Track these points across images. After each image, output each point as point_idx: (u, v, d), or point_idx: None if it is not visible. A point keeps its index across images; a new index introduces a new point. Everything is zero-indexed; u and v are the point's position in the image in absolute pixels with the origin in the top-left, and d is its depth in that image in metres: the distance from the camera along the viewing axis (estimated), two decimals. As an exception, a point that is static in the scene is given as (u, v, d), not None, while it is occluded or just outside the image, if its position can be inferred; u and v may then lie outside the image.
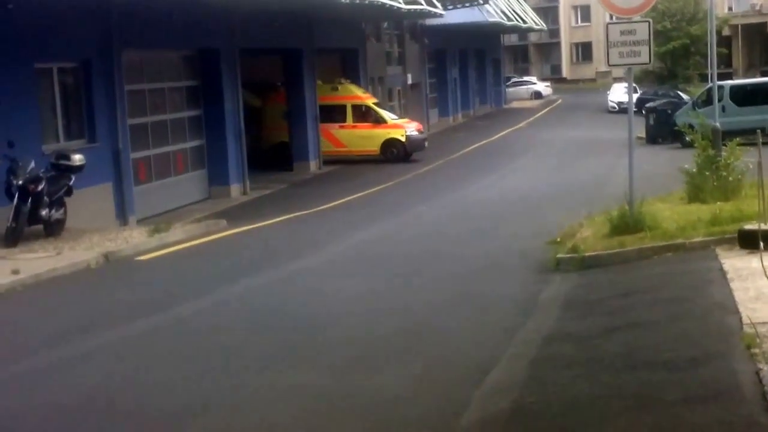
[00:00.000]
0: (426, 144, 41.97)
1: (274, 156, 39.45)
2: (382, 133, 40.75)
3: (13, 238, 20.37)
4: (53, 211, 21.54)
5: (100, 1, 24.06)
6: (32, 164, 21.03)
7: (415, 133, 41.35)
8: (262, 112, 40.65)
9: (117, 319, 14.35)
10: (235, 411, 9.69)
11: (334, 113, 40.45)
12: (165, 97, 29.59)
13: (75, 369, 11.74)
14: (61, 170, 21.90)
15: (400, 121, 42.18)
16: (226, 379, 10.87)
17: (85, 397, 10.49)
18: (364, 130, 40.71)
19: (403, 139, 40.66)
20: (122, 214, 25.33)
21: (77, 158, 22.33)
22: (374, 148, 40.62)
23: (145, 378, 11.15)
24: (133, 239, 21.69)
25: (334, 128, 40.60)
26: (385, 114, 42.11)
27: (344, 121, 40.85)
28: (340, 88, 41.33)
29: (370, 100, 41.99)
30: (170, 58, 30.14)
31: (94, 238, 21.51)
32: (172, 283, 17.45)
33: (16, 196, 20.42)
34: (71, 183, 22.06)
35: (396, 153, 40.62)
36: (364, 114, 41.08)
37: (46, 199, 21.12)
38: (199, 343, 12.64)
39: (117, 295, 16.73)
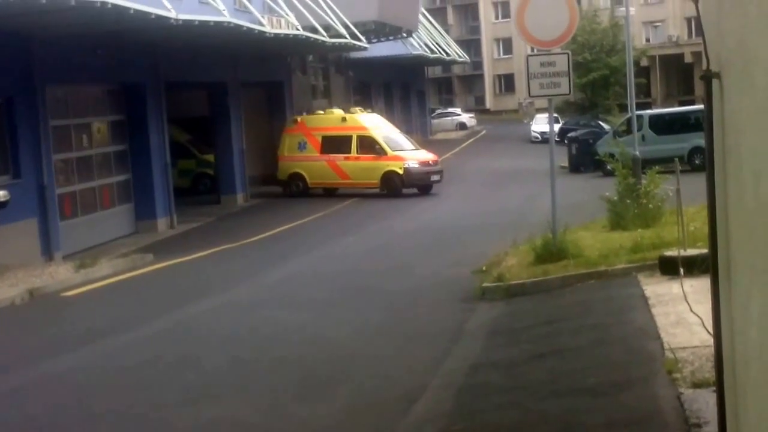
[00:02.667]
0: (433, 177, 38.26)
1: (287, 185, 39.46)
2: (382, 165, 37.68)
3: (-64, 275, 20.02)
4: (-23, 248, 21.22)
5: (21, 38, 23.82)
6: (-45, 200, 20.71)
7: (415, 165, 37.83)
8: (279, 142, 40.20)
9: (41, 355, 14.14)
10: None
11: (341, 144, 38.46)
12: (90, 132, 29.29)
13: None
14: (-16, 206, 21.59)
15: (406, 153, 38.49)
16: (150, 414, 10.75)
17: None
18: (366, 161, 37.98)
19: (400, 171, 37.44)
20: (47, 249, 24.97)
21: (1, 194, 22.00)
22: (375, 180, 37.82)
23: (69, 413, 10.99)
24: (59, 275, 21.42)
25: (339, 159, 38.36)
26: (388, 144, 38.27)
27: (349, 152, 38.36)
28: (347, 118, 39.38)
29: (374, 131, 38.96)
30: (95, 93, 29.85)
31: (18, 274, 21.20)
32: (97, 319, 17.22)
33: (-61, 233, 20.08)
34: (-5, 219, 21.74)
35: (394, 186, 37.54)
36: (368, 145, 38.24)
37: (-31, 235, 20.81)
38: (123, 378, 12.50)
39: (42, 332, 16.49)
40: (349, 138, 38.39)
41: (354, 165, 38.03)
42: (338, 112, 40.59)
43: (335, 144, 38.37)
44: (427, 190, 38.11)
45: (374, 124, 39.77)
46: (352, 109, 41.33)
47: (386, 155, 37.71)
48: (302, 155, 39.01)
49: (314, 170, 38.57)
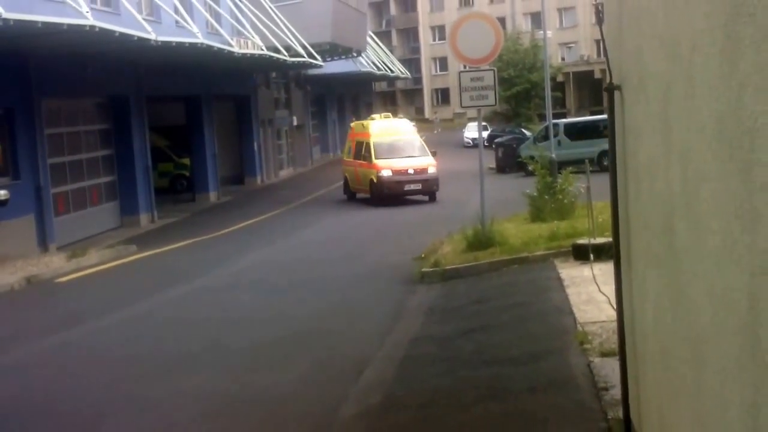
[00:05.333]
0: (408, 187, 32.62)
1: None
2: (369, 173, 33.30)
3: (-55, 264, 19.78)
4: (-20, 241, 21.00)
5: (20, 57, 23.60)
6: (-39, 199, 20.50)
7: (388, 174, 32.51)
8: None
9: (37, 333, 14.00)
10: (141, 412, 9.49)
11: (360, 151, 34.66)
12: (81, 139, 29.06)
13: None
14: (-13, 204, 21.40)
15: (392, 161, 33.00)
16: (135, 383, 10.66)
17: (6, 403, 10.18)
18: (363, 168, 33.99)
19: (375, 179, 32.77)
20: (43, 241, 24.77)
21: (2, 193, 21.84)
22: (366, 187, 33.68)
23: (61, 385, 10.86)
24: (53, 264, 21.23)
25: (357, 166, 34.66)
26: (378, 152, 33.40)
27: (361, 158, 34.35)
28: (365, 125, 35.93)
29: (374, 137, 34.18)
30: (85, 105, 29.63)
31: (17, 263, 20.98)
32: (87, 302, 17.07)
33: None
34: (-3, 215, 21.53)
35: (374, 194, 32.96)
36: (366, 152, 34.05)
37: (-26, 229, 20.59)
38: (111, 353, 12.38)
39: (38, 313, 16.33)
40: (361, 144, 34.75)
41: (360, 171, 34.34)
42: (374, 118, 36.98)
43: (359, 150, 34.87)
44: (431, 195, 32.82)
45: (381, 130, 34.85)
46: (379, 115, 37.72)
47: (372, 162, 33.19)
48: (347, 160, 36.37)
49: (350, 175, 35.65)
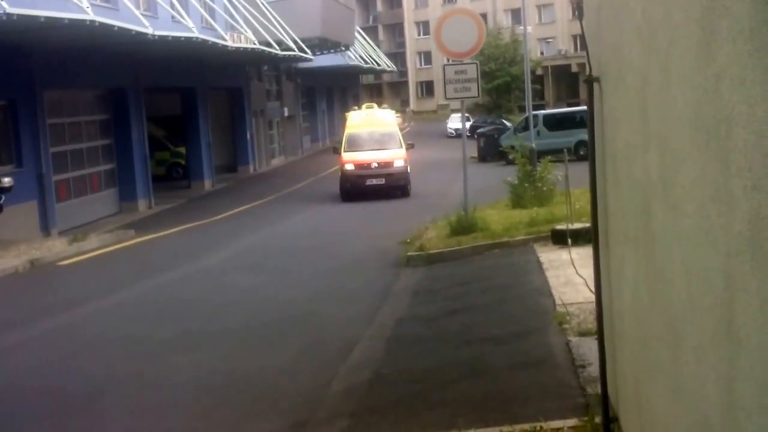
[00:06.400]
0: (371, 182, 29.26)
1: None
2: (339, 166, 30.69)
3: (-49, 248, 19.71)
4: (-14, 226, 20.94)
5: (23, 50, 23.48)
6: (-33, 186, 20.42)
7: (351, 168, 29.44)
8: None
9: (41, 314, 13.95)
10: (140, 389, 9.48)
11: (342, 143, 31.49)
12: (81, 129, 28.98)
13: (4, 358, 11.37)
14: (-8, 191, 21.29)
15: (359, 154, 29.71)
16: (134, 362, 10.65)
17: (12, 381, 10.15)
18: (337, 161, 31.33)
19: (341, 173, 30.13)
20: (46, 226, 24.72)
21: (6, 180, 21.68)
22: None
23: (65, 363, 10.83)
24: (55, 248, 21.14)
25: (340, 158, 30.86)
26: (348, 144, 30.39)
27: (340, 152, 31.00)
28: (347, 116, 33.49)
29: (349, 129, 31.49)
30: (85, 96, 29.52)
31: (21, 247, 20.89)
32: (88, 284, 17.03)
33: (-47, 213, 19.78)
34: (2, 201, 21.39)
35: (340, 188, 30.09)
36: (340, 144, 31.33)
37: (-21, 215, 20.53)
38: (112, 333, 12.36)
39: (41, 295, 16.27)
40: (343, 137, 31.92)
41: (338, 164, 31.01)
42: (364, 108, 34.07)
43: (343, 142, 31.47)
44: (402, 190, 29.51)
45: (359, 121, 32.04)
46: (365, 105, 34.94)
47: (340, 155, 30.46)
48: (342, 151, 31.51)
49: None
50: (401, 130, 35.32)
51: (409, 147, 30.82)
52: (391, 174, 29.43)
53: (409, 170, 29.85)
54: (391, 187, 29.27)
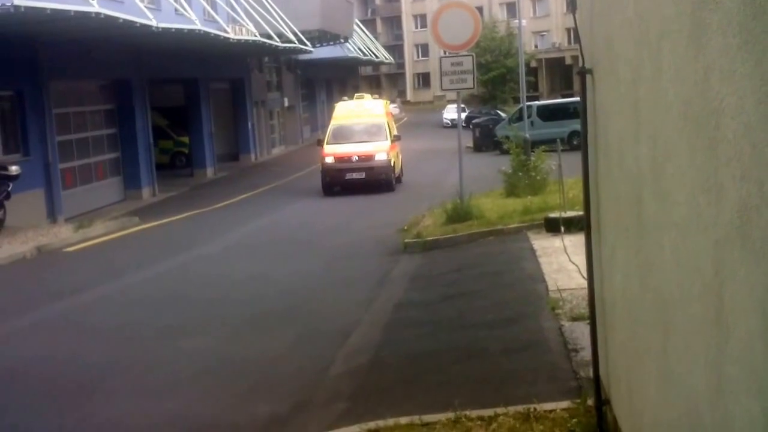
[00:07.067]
0: (350, 176, 27.46)
1: None
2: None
3: (-40, 235, 19.73)
4: (-6, 212, 20.98)
5: (29, 42, 23.45)
6: (-25, 175, 20.48)
7: (331, 161, 27.67)
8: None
9: (47, 299, 13.95)
10: (143, 372, 9.49)
11: None
12: (87, 119, 28.95)
13: (12, 341, 11.38)
14: (0, 179, 21.33)
15: (341, 147, 27.94)
16: (139, 345, 10.66)
17: (21, 364, 10.16)
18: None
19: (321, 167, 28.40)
20: (52, 213, 24.73)
21: (14, 169, 21.78)
22: None
23: (70, 347, 10.84)
24: (62, 234, 21.14)
25: None
26: (332, 136, 28.73)
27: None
28: (335, 107, 31.59)
29: (335, 120, 29.81)
30: (91, 87, 29.49)
31: (28, 233, 20.88)
32: (94, 269, 17.02)
33: (-37, 201, 19.79)
34: (9, 189, 21.47)
35: (322, 182, 28.21)
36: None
37: (-13, 202, 20.57)
38: (115, 318, 12.35)
39: (48, 280, 16.27)
40: None
41: None
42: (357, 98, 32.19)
43: None
44: (385, 185, 27.44)
45: (345, 112, 30.20)
46: (355, 96, 32.99)
47: (322, 148, 28.53)
48: None
49: None
50: (398, 120, 34.79)
51: (395, 139, 29.09)
52: (371, 168, 27.44)
53: (392, 164, 27.97)
54: (372, 182, 27.27)
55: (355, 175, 27.44)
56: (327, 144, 28.39)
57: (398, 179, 29.43)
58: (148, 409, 8.24)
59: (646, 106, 3.81)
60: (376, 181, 27.35)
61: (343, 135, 28.70)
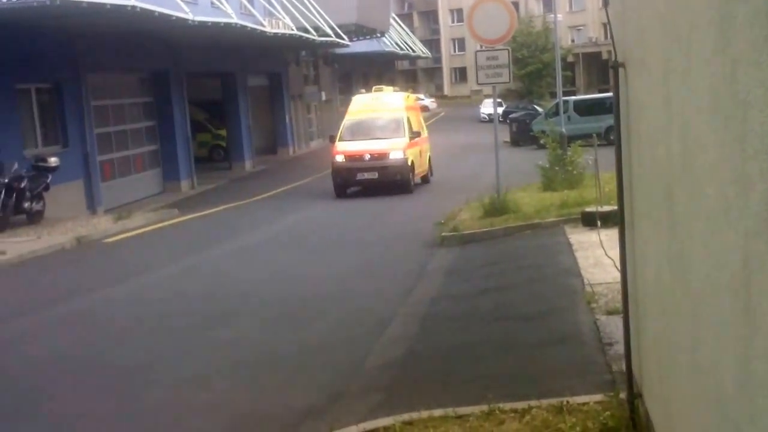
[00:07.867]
0: (362, 176, 25.43)
1: None
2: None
3: (1, 226, 20.03)
4: (34, 204, 21.29)
5: (67, 35, 23.74)
6: (16, 166, 20.83)
7: (341, 160, 25.61)
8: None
9: (87, 289, 14.13)
10: (182, 362, 9.59)
11: None
12: (125, 111, 29.25)
13: (55, 329, 11.55)
14: (40, 170, 21.70)
15: (354, 144, 25.90)
16: (176, 336, 10.77)
17: (61, 352, 10.32)
18: None
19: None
20: (91, 205, 25.04)
21: (53, 160, 22.12)
22: None
23: (110, 336, 10.99)
24: (101, 225, 21.40)
25: None
26: (344, 132, 26.66)
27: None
28: (352, 101, 29.23)
29: (349, 115, 27.61)
30: (128, 80, 29.77)
31: (68, 225, 21.16)
32: (132, 260, 17.21)
33: (3, 192, 20.11)
34: (49, 180, 21.80)
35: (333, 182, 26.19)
36: None
37: (27, 194, 20.90)
38: (156, 308, 12.49)
39: (87, 271, 16.47)
40: None
41: None
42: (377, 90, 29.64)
43: None
44: (401, 187, 25.24)
45: (360, 107, 27.97)
46: (374, 88, 30.38)
47: (334, 145, 26.42)
48: None
49: None
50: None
51: (414, 135, 26.72)
52: (385, 167, 25.16)
53: (410, 163, 25.68)
54: (385, 183, 25.20)
55: (366, 175, 25.36)
56: (339, 141, 26.23)
57: (425, 179, 27.81)
58: (185, 397, 8.34)
59: (677, 99, 3.82)
60: (390, 182, 25.20)
61: (356, 131, 26.66)
